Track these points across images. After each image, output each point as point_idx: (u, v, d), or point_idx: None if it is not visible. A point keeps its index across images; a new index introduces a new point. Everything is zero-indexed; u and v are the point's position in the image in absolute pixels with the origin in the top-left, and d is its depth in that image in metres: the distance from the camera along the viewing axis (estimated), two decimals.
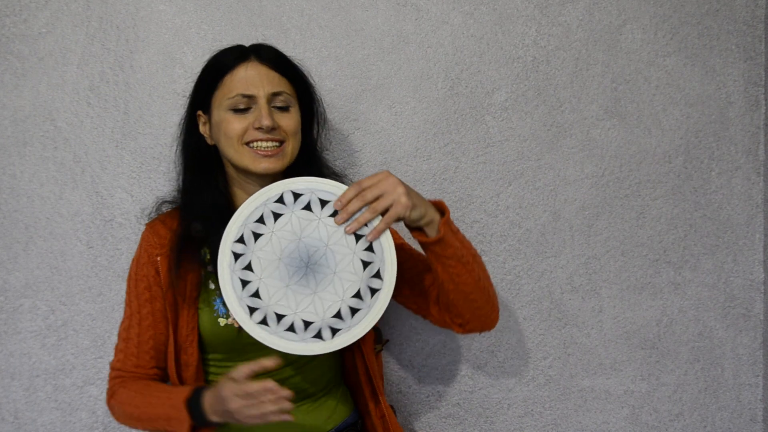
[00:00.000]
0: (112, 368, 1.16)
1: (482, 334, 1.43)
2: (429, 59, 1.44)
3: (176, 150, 1.22)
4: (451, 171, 1.45)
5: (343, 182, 1.28)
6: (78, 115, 1.38)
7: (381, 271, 1.00)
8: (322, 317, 0.99)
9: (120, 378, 1.14)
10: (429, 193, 1.44)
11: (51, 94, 1.37)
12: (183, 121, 1.19)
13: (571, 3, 1.46)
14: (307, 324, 0.99)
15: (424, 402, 1.47)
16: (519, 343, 1.48)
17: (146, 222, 1.18)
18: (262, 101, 1.08)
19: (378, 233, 1.00)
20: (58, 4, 1.37)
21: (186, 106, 1.18)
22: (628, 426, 1.50)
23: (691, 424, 1.51)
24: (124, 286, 1.36)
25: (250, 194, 1.13)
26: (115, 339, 1.37)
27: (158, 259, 1.11)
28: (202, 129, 1.15)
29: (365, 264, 1.00)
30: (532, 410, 1.48)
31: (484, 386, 1.47)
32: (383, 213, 1.00)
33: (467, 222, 1.45)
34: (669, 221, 1.49)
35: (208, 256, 1.13)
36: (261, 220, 1.00)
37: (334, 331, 0.99)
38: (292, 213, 1.01)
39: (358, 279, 1.00)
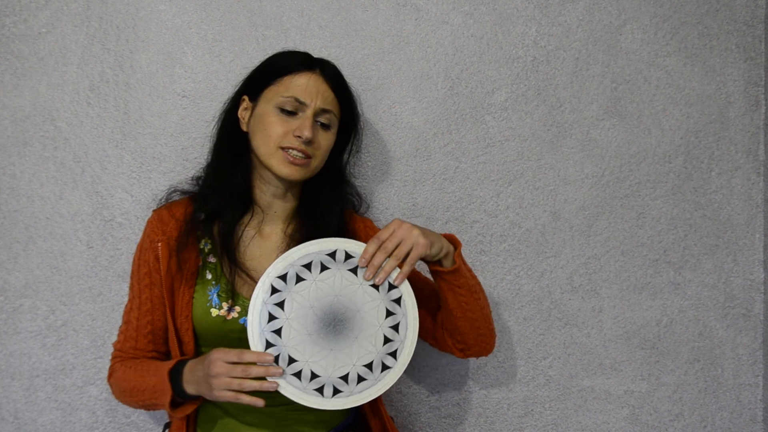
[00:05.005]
0: (114, 348, 1.20)
1: (479, 359, 1.46)
2: (429, 59, 1.44)
3: (213, 127, 1.25)
4: (451, 171, 1.45)
5: (361, 203, 1.33)
6: (78, 115, 1.38)
7: (398, 351, 1.04)
8: (329, 374, 1.02)
9: (119, 358, 1.19)
10: (429, 192, 1.44)
11: (51, 94, 1.37)
12: (228, 101, 1.23)
13: (571, 3, 1.46)
14: (313, 375, 1.02)
15: (424, 402, 1.46)
16: (519, 343, 1.47)
17: (154, 209, 1.21)
18: (310, 112, 1.13)
19: (404, 276, 1.05)
20: (58, 4, 1.37)
21: (236, 88, 1.22)
22: (628, 426, 1.50)
23: (691, 424, 1.51)
24: (124, 286, 1.38)
25: (266, 190, 1.18)
26: (114, 338, 1.38)
27: (159, 245, 1.13)
28: (241, 113, 1.19)
29: (386, 340, 1.04)
30: (532, 410, 1.48)
31: (484, 386, 1.47)
32: (405, 257, 1.05)
33: (467, 222, 1.45)
34: (669, 221, 1.49)
35: (209, 246, 1.16)
36: (308, 266, 1.03)
37: (336, 392, 1.02)
38: (338, 270, 1.04)
39: (375, 352, 1.03)
